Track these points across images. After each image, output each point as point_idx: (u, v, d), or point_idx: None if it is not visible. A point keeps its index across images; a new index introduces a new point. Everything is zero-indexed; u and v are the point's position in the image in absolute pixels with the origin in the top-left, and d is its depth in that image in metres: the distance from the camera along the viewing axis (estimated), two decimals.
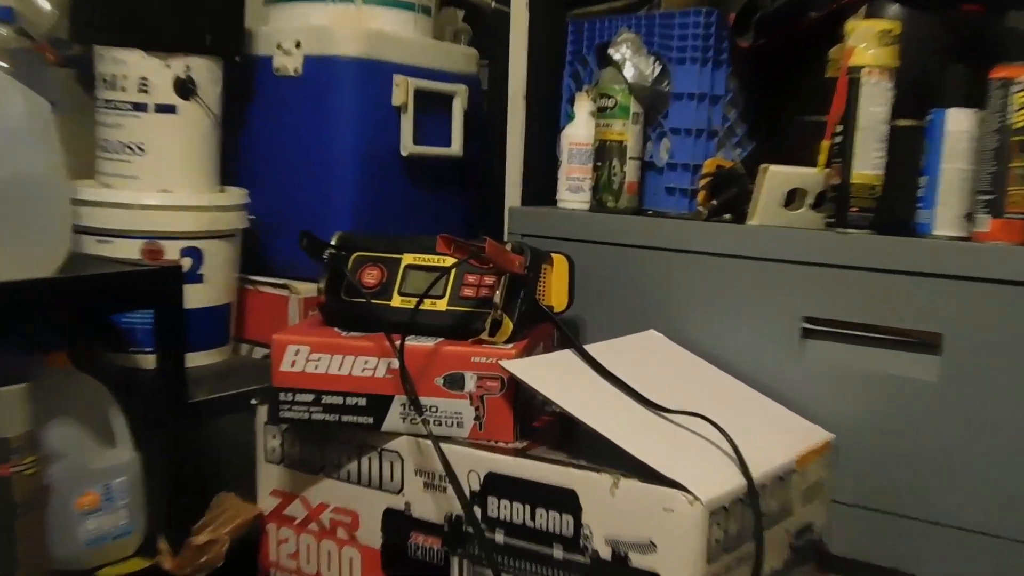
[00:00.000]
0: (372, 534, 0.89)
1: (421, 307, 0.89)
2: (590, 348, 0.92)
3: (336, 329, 0.91)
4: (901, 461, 0.91)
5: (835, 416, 0.93)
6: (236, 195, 1.15)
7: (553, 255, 0.97)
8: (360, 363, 0.87)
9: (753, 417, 0.92)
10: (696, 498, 0.74)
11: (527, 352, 0.88)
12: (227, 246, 1.14)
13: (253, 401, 0.95)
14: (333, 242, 0.94)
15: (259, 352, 1.19)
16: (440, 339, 0.87)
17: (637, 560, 0.76)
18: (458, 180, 1.31)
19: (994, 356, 0.86)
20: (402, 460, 0.87)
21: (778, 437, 0.89)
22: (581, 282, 1.03)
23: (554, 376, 0.86)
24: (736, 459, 0.80)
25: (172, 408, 0.95)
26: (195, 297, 1.09)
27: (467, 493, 0.83)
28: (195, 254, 1.10)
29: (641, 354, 0.98)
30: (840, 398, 0.94)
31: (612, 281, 1.06)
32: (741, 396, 0.95)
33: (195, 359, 1.10)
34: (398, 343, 0.86)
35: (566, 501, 0.79)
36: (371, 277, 0.92)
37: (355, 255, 0.94)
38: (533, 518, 0.81)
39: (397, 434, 0.88)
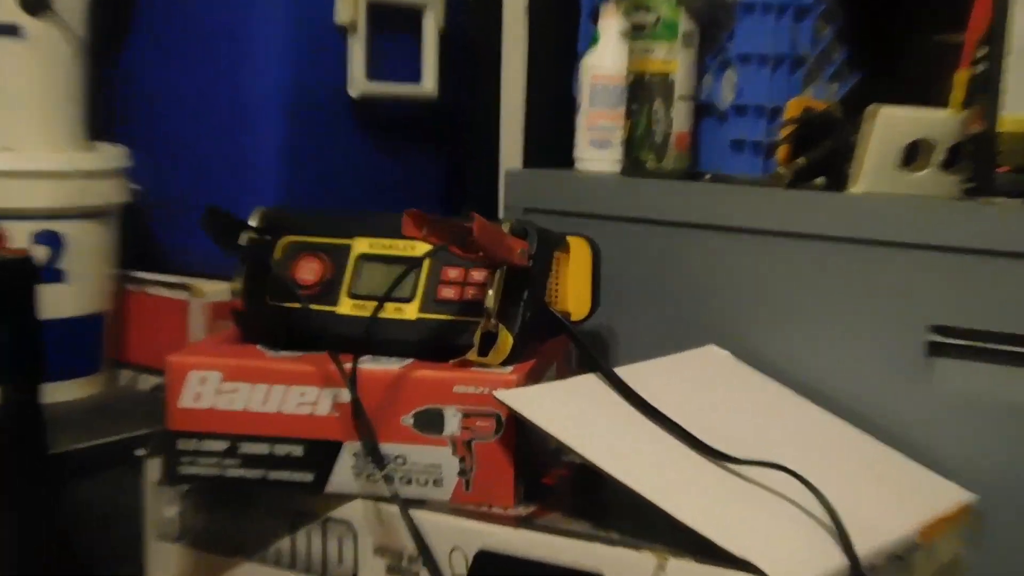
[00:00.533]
0: None
1: (381, 315, 0.89)
2: (623, 371, 0.93)
3: (259, 347, 0.92)
4: None
5: (976, 467, 0.94)
6: (111, 155, 1.16)
7: (569, 239, 0.99)
8: (294, 396, 0.88)
9: (858, 469, 0.93)
10: None
11: (534, 378, 0.89)
12: (99, 229, 1.14)
13: (139, 452, 0.96)
14: (252, 222, 0.95)
15: (147, 381, 1.21)
16: (409, 360, 0.89)
17: None
18: (432, 132, 1.32)
19: None
20: (355, 535, 0.88)
21: (894, 498, 0.91)
22: (610, 277, 1.04)
23: (572, 411, 0.87)
24: (834, 530, 0.81)
25: (23, 464, 0.96)
26: (54, 303, 1.11)
27: None
28: (52, 241, 1.11)
29: (696, 380, 0.99)
30: (983, 441, 0.95)
31: (654, 275, 1.08)
32: (840, 440, 0.97)
33: (56, 392, 1.11)
34: (348, 366, 0.86)
35: None
36: (309, 272, 0.93)
37: (285, 240, 0.95)
38: None
39: (348, 497, 0.88)
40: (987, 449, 0.95)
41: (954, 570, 0.92)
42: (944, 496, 0.92)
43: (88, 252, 1.14)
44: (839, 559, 0.79)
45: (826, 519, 0.82)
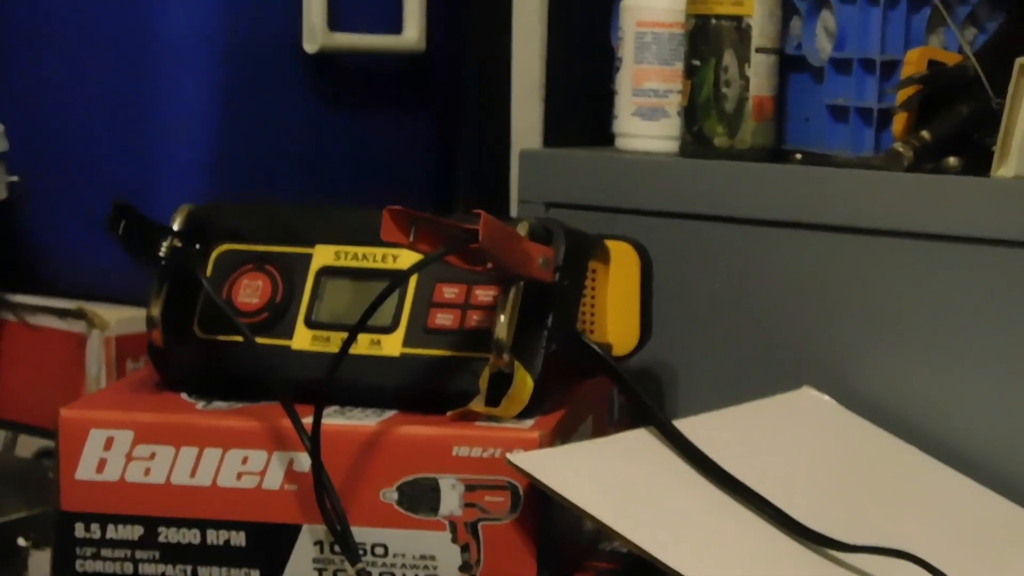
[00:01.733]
0: None
1: (352, 350, 0.91)
2: (685, 424, 0.95)
3: (185, 396, 0.94)
4: None
5: None
6: None
7: (609, 244, 1.01)
8: (234, 463, 0.90)
9: (1010, 554, 0.96)
10: None
11: (562, 435, 0.91)
12: None
13: (20, 542, 0.97)
14: (176, 225, 0.96)
15: (29, 444, 1.22)
16: (390, 412, 0.91)
17: None
18: (417, 99, 1.34)
19: None
20: None
21: None
22: (664, 295, 1.06)
23: (616, 481, 0.90)
24: None
25: None
26: None
27: None
28: None
29: (787, 436, 1.02)
30: None
31: (726, 292, 1.11)
32: (986, 514, 0.99)
33: None
34: (308, 421, 0.88)
35: None
36: (252, 293, 0.96)
37: (220, 249, 0.97)
38: None
39: None
40: None
41: None
42: None
43: None
44: None
45: None
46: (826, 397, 1.05)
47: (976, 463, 1.01)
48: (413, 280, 0.93)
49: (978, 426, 1.02)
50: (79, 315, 1.19)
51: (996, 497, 1.00)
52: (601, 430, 0.98)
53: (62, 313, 1.20)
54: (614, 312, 1.00)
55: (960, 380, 1.02)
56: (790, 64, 1.17)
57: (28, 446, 1.22)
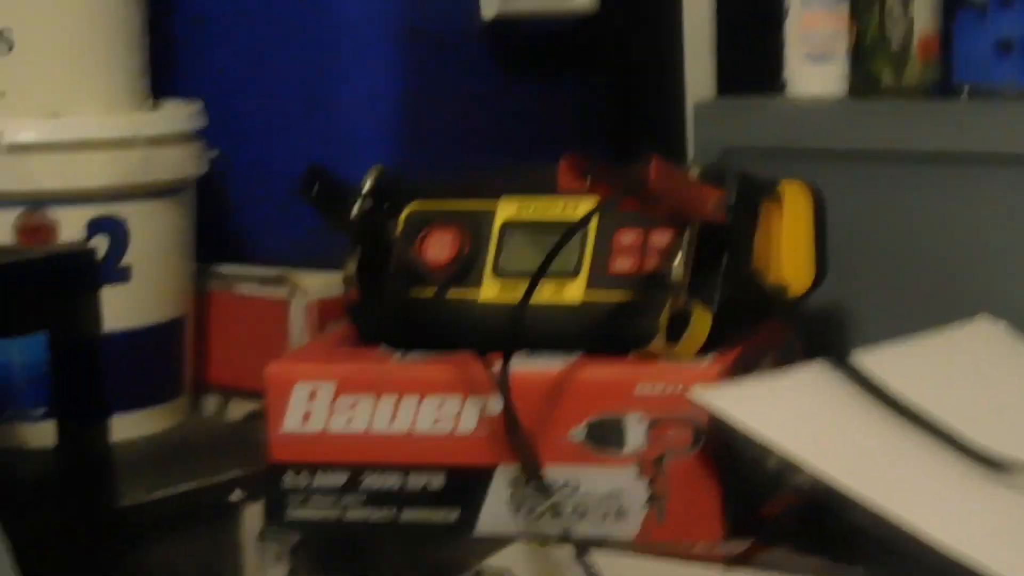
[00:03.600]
0: None
1: (537, 299, 0.93)
2: (863, 358, 0.95)
3: (381, 349, 0.97)
4: None
5: None
6: (181, 115, 1.22)
7: (782, 185, 1.01)
8: (430, 410, 0.93)
9: None
10: None
11: (741, 372, 0.93)
12: (171, 212, 1.21)
13: (234, 497, 1.01)
14: (366, 187, 0.99)
15: (239, 407, 1.27)
16: (574, 356, 0.92)
17: None
18: (590, 58, 1.35)
19: None
20: None
21: None
22: (837, 234, 1.05)
23: (797, 414, 0.90)
24: None
25: (83, 521, 1.02)
26: (117, 310, 1.16)
27: None
28: (113, 228, 1.17)
29: (965, 365, 1.01)
30: None
31: (898, 229, 1.12)
32: None
33: (123, 427, 1.17)
34: (498, 368, 0.90)
35: None
36: (441, 248, 0.98)
37: (408, 209, 0.99)
38: None
39: (504, 539, 0.93)
40: None
41: None
42: None
43: (158, 242, 1.20)
44: None
45: None
46: (1002, 324, 1.04)
47: None
48: (593, 227, 0.94)
49: None
50: (281, 281, 1.23)
51: None
52: (780, 367, 0.98)
53: (264, 280, 1.24)
54: (788, 253, 1.00)
55: None
56: (954, 1, 1.16)
57: (238, 409, 1.26)
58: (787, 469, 0.91)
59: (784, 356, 1.01)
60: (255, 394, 1.16)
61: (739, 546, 0.89)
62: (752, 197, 0.95)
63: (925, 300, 1.08)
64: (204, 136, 1.23)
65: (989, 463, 0.88)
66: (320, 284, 1.22)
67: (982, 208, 1.07)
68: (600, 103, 1.36)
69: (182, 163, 1.21)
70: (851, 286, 1.10)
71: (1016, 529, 0.83)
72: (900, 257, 1.10)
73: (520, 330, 0.92)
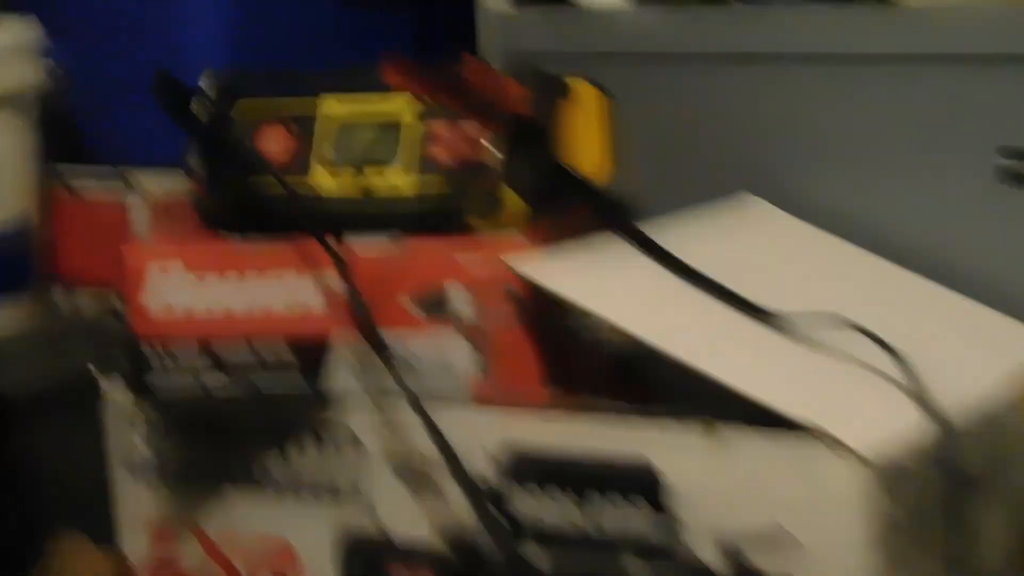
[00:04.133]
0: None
1: (364, 185, 1.02)
2: (648, 229, 1.06)
3: (225, 235, 1.04)
4: None
5: None
6: (18, 28, 1.26)
7: (572, 83, 1.09)
8: (275, 286, 1.01)
9: (930, 323, 1.07)
10: (854, 452, 0.87)
11: (551, 246, 1.02)
12: (12, 122, 1.24)
13: (94, 373, 1.06)
14: (204, 87, 1.07)
15: (90, 301, 1.31)
16: (403, 235, 1.01)
17: (765, 564, 0.90)
18: None
19: None
20: (359, 440, 1.01)
21: (977, 351, 1.03)
22: (625, 132, 1.14)
23: (597, 276, 1.01)
24: (912, 388, 0.93)
25: None
26: None
27: (478, 488, 0.96)
28: None
29: (732, 234, 1.13)
30: None
31: (673, 120, 1.21)
32: (905, 291, 1.11)
33: None
34: (335, 247, 0.98)
35: (638, 479, 0.92)
36: (275, 142, 1.05)
37: (242, 106, 1.07)
38: (590, 516, 0.94)
39: (348, 397, 1.02)
40: None
41: None
42: None
43: (3, 147, 1.23)
44: (921, 423, 0.92)
45: (900, 378, 0.94)
46: (764, 201, 1.17)
47: (886, 245, 1.13)
48: (412, 120, 1.03)
49: (887, 215, 1.14)
50: (120, 179, 1.28)
51: (905, 271, 1.12)
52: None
53: (105, 179, 1.28)
54: (582, 145, 1.08)
55: (874, 178, 1.15)
56: None
57: (90, 303, 1.30)
58: (594, 326, 1.02)
59: (582, 233, 1.11)
60: (105, 288, 1.23)
61: (555, 396, 0.99)
62: (552, 93, 1.04)
63: (705, 179, 1.19)
64: (44, 48, 1.27)
65: (761, 315, 1.00)
66: (161, 183, 1.26)
67: (757, 100, 1.17)
68: (406, 15, 1.44)
69: (21, 76, 1.24)
70: (638, 178, 1.18)
71: (788, 366, 0.96)
72: (682, 144, 1.21)
73: (351, 214, 1.01)
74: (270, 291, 1.00)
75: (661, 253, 1.03)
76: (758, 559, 0.90)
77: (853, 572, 0.88)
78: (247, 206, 1.04)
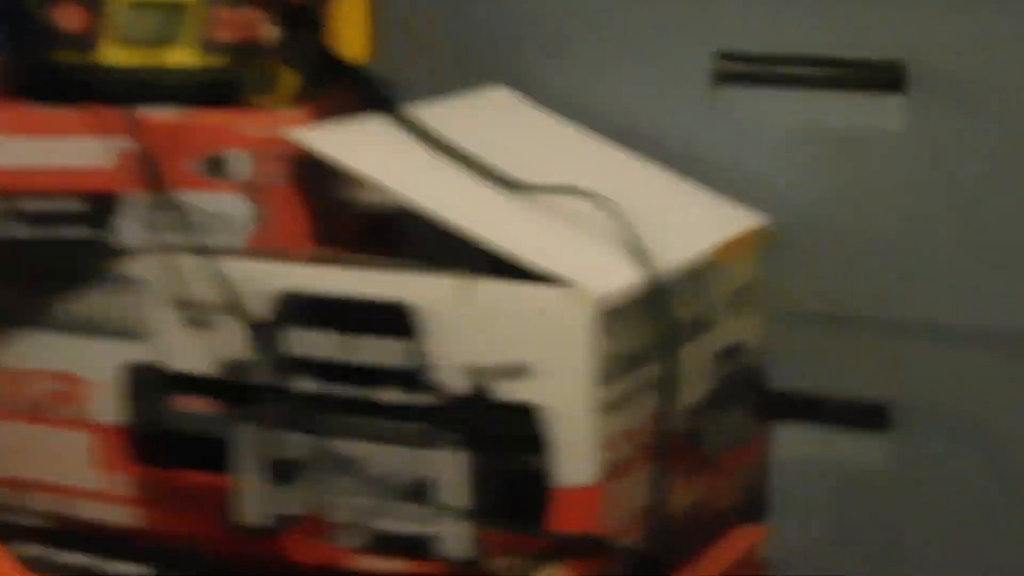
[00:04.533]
0: (110, 405, 1.15)
1: (154, 62, 1.12)
2: (412, 111, 1.19)
3: (25, 100, 1.13)
4: (867, 248, 1.23)
5: (768, 192, 1.25)
6: None
7: None
8: (71, 147, 1.10)
9: (651, 197, 1.22)
10: (582, 294, 1.01)
11: (322, 119, 1.14)
12: None
13: None
14: None
15: None
16: (189, 108, 1.12)
17: (506, 391, 1.03)
18: None
19: (975, 89, 1.18)
20: (149, 289, 1.12)
21: (688, 222, 1.19)
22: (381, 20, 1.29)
23: (365, 148, 1.12)
24: (633, 247, 1.08)
25: None
26: None
27: (253, 325, 1.07)
28: None
29: (485, 119, 1.26)
30: (774, 166, 1.26)
31: (424, 15, 1.33)
32: (631, 171, 1.26)
33: None
34: (127, 115, 1.08)
35: (398, 321, 1.05)
36: (70, 18, 1.14)
37: None
38: (354, 351, 1.06)
39: (138, 249, 1.12)
40: (776, 172, 1.25)
41: (750, 292, 1.22)
42: (737, 220, 1.22)
43: None
44: (638, 273, 1.07)
45: (624, 238, 1.09)
46: (511, 93, 1.30)
47: (616, 133, 1.29)
48: (197, 2, 1.13)
49: (615, 106, 1.30)
50: None
51: (632, 155, 1.28)
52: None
53: None
54: (346, 31, 1.23)
55: (609, 76, 1.29)
56: None
57: None
58: (357, 188, 1.15)
59: (354, 111, 1.23)
60: None
61: (323, 249, 1.11)
62: None
63: (458, 73, 1.32)
64: None
65: (506, 183, 1.13)
66: None
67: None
68: None
69: None
70: (394, 63, 1.32)
71: (528, 226, 1.08)
72: (435, 39, 1.33)
73: (142, 87, 1.11)
74: (67, 151, 1.09)
75: (419, 129, 1.15)
76: (501, 388, 1.03)
77: (580, 397, 1.02)
78: (44, 75, 1.12)
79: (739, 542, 1.22)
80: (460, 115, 1.24)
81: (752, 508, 1.27)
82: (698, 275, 1.14)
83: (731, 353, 1.20)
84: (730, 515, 1.23)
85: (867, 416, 1.27)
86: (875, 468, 1.28)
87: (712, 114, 1.27)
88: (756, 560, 1.23)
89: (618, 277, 1.05)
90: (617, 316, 1.03)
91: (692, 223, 1.20)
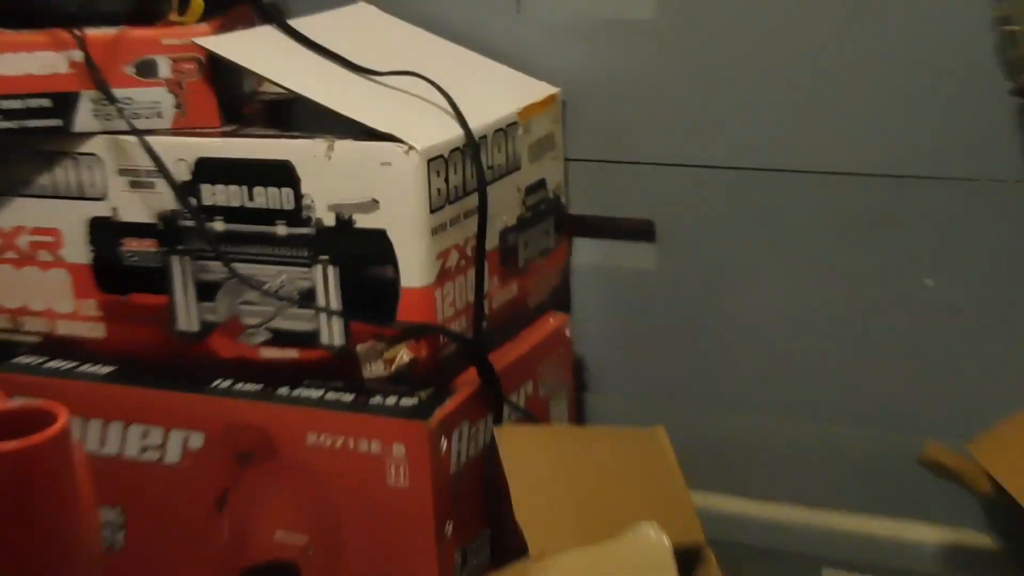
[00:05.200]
0: (79, 249, 1.38)
1: None
2: (293, 23, 1.42)
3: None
4: (633, 108, 1.47)
5: (558, 71, 1.48)
6: None
7: None
8: (37, 60, 1.32)
9: (471, 76, 1.47)
10: (412, 148, 1.23)
11: (224, 31, 1.38)
12: None
13: None
14: None
15: None
16: (123, 26, 1.34)
17: (362, 221, 1.28)
18: None
19: None
20: (102, 162, 1.35)
21: (498, 93, 1.43)
22: None
23: (256, 51, 1.38)
24: (453, 112, 1.30)
25: None
26: None
27: (178, 184, 1.29)
28: None
29: (351, 27, 1.52)
30: (565, 51, 1.51)
31: None
32: (458, 58, 1.53)
33: None
34: (75, 32, 1.28)
35: (283, 174, 1.29)
36: None
37: None
38: (252, 198, 1.29)
39: (92, 134, 1.35)
40: (568, 57, 1.47)
41: (549, 143, 1.46)
42: (535, 90, 1.46)
43: None
44: (457, 131, 1.30)
45: (447, 106, 1.32)
46: (373, 7, 1.53)
47: (447, 34, 1.51)
48: None
49: (451, 15, 1.52)
50: None
51: (469, 52, 1.50)
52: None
53: None
54: None
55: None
56: None
57: None
58: (252, 92, 1.37)
59: (250, 25, 1.44)
60: None
61: (229, 128, 1.34)
62: None
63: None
64: None
65: (362, 72, 1.37)
66: None
67: None
68: None
69: None
70: None
71: (377, 102, 1.32)
72: None
73: (86, 14, 1.32)
74: (33, 63, 1.32)
75: (297, 34, 1.39)
76: (359, 219, 1.27)
77: (416, 223, 1.27)
78: (8, 10, 1.33)
79: (548, 326, 1.45)
80: (331, 25, 1.49)
81: (557, 303, 1.50)
82: (504, 131, 1.37)
83: (535, 188, 1.45)
84: (540, 308, 1.46)
85: (638, 231, 1.52)
86: (646, 269, 1.53)
87: (515, 16, 1.50)
88: (562, 338, 1.47)
89: (441, 133, 1.30)
90: (441, 162, 1.26)
91: (501, 93, 1.45)
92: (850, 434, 1.47)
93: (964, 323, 1.39)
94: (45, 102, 1.32)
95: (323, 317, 1.30)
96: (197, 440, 1.33)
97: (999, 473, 1.28)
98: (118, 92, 1.32)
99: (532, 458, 1.34)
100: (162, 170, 1.31)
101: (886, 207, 1.41)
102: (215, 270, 1.33)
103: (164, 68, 1.32)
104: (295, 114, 1.36)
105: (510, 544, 1.28)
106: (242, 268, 1.32)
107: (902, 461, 1.40)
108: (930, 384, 1.42)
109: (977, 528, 1.42)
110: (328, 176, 1.27)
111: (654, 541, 1.22)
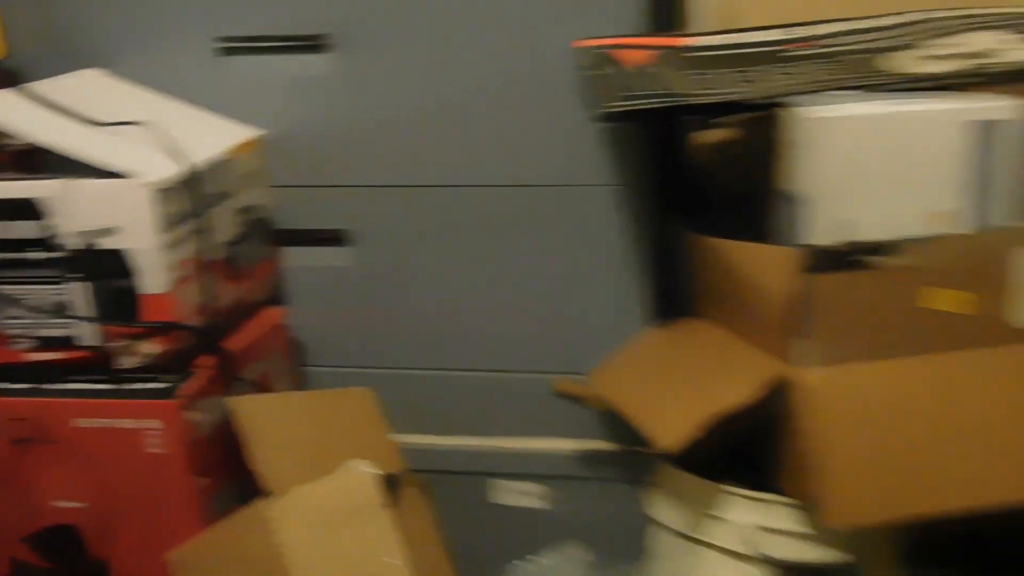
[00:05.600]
0: None
1: None
2: (34, 86, 1.55)
3: None
4: (325, 143, 1.66)
5: (263, 116, 1.68)
6: None
7: None
8: None
9: (189, 124, 1.64)
10: (143, 182, 1.40)
11: None
12: None
13: None
14: None
15: None
16: None
17: (106, 243, 1.42)
18: None
19: (377, 48, 1.60)
20: None
21: (213, 136, 1.60)
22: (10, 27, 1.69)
23: (3, 111, 1.48)
24: (174, 152, 1.47)
25: None
26: None
27: None
28: None
29: (83, 88, 1.74)
30: (265, 110, 1.71)
31: (43, 20, 1.69)
32: (177, 111, 1.76)
33: None
34: None
35: (33, 209, 1.43)
36: None
37: None
38: (8, 231, 1.44)
39: None
40: (270, 106, 1.66)
41: (258, 175, 1.64)
42: (244, 132, 1.66)
43: None
44: (178, 167, 1.46)
45: (169, 148, 1.48)
46: (101, 72, 1.67)
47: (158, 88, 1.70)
48: None
49: (151, 76, 1.69)
50: None
51: (187, 106, 1.68)
52: None
53: None
54: None
55: (158, 58, 1.68)
56: None
57: None
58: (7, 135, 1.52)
59: None
60: None
61: None
62: None
63: (66, 62, 1.67)
64: None
65: (97, 124, 1.55)
66: None
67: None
68: None
69: None
70: (31, 53, 1.66)
71: (112, 147, 1.46)
72: (52, 37, 1.66)
73: None
74: None
75: (39, 97, 1.53)
76: (102, 242, 1.43)
77: (150, 242, 1.44)
78: None
79: (267, 319, 1.63)
80: (68, 87, 1.63)
81: (276, 300, 1.68)
82: (218, 165, 1.55)
83: (247, 211, 1.64)
84: (261, 304, 1.63)
85: (337, 238, 1.73)
86: (346, 267, 1.72)
87: (221, 76, 1.70)
88: (281, 330, 1.64)
89: (165, 170, 1.50)
90: (166, 193, 1.44)
91: (216, 136, 1.62)
92: (502, 378, 1.74)
93: (584, 289, 1.68)
94: None
95: (80, 324, 1.48)
96: None
97: (610, 395, 1.53)
98: None
99: (264, 419, 1.53)
100: None
101: (505, 209, 1.64)
102: None
103: None
104: (42, 161, 1.49)
105: (255, 491, 1.46)
106: (4, 289, 1.48)
107: (541, 393, 1.71)
108: (557, 335, 1.70)
109: (599, 437, 1.72)
110: (73, 208, 1.47)
111: (364, 472, 1.43)
